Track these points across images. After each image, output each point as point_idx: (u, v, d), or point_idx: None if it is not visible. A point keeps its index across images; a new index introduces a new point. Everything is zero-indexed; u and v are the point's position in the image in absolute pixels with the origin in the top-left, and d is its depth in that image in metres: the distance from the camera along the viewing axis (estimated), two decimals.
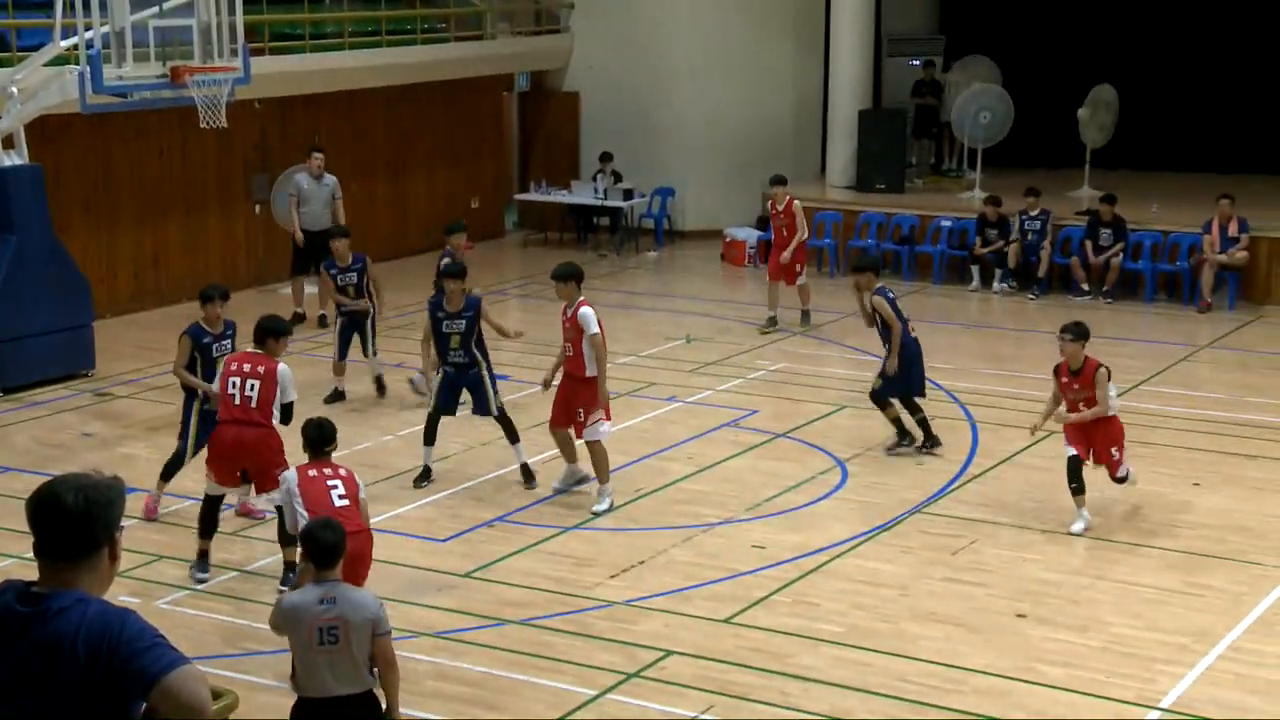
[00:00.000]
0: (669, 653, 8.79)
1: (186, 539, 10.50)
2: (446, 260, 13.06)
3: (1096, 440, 10.83)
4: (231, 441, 9.76)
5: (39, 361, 14.56)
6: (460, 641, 8.98)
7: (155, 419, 13.63)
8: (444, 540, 10.67)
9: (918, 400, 12.61)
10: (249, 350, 10.05)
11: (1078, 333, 10.86)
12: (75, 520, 3.56)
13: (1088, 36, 23.74)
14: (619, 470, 12.00)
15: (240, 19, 14.64)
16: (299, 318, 17.07)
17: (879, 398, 12.59)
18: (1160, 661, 8.64)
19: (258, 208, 19.32)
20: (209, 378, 10.56)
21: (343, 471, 8.41)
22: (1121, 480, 10.97)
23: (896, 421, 12.58)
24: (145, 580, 9.77)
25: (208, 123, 14.32)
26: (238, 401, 9.73)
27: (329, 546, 6.52)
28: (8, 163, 14.33)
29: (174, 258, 18.56)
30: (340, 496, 8.19)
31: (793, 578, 9.94)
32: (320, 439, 8.41)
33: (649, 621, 9.28)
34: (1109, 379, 10.80)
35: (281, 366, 9.82)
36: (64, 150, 16.74)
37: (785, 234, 17.07)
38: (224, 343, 10.88)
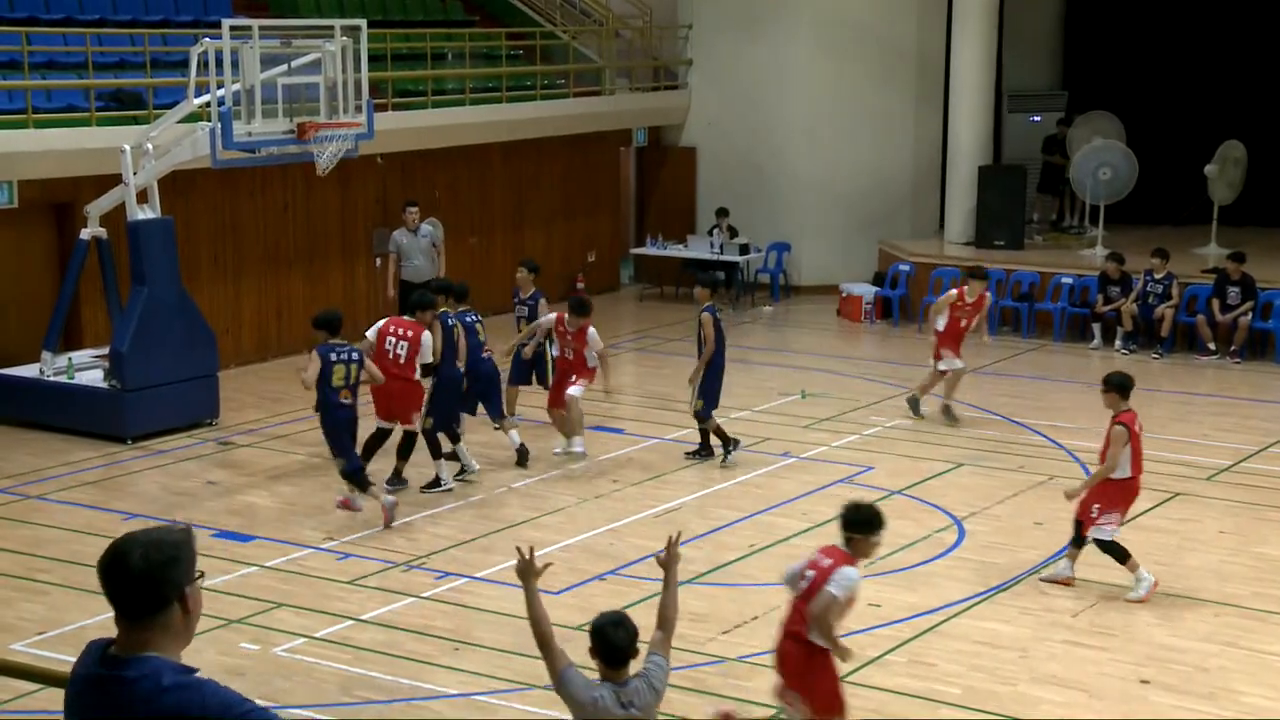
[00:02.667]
0: (783, 709, 8.68)
1: (306, 587, 10.64)
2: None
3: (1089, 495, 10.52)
4: (385, 391, 12.52)
5: (165, 411, 14.88)
6: None
7: (276, 468, 13.86)
8: (557, 593, 10.66)
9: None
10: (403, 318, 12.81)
11: (1109, 382, 10.55)
12: (140, 580, 3.50)
13: (1213, 92, 23.34)
14: (734, 525, 11.93)
15: (365, 76, 14.95)
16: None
17: (703, 416, 13.75)
18: None
19: (378, 260, 19.64)
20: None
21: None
22: (1084, 542, 10.57)
23: (719, 431, 13.70)
24: (264, 627, 9.90)
25: (325, 169, 14.61)
26: (390, 358, 12.44)
27: (620, 648, 6.27)
28: (141, 216, 14.74)
29: (297, 310, 18.90)
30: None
31: (908, 637, 9.78)
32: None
33: (762, 678, 9.16)
34: (1126, 441, 10.30)
35: (425, 333, 12.51)
36: (193, 204, 17.19)
37: (964, 325, 15.53)
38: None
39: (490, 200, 21.51)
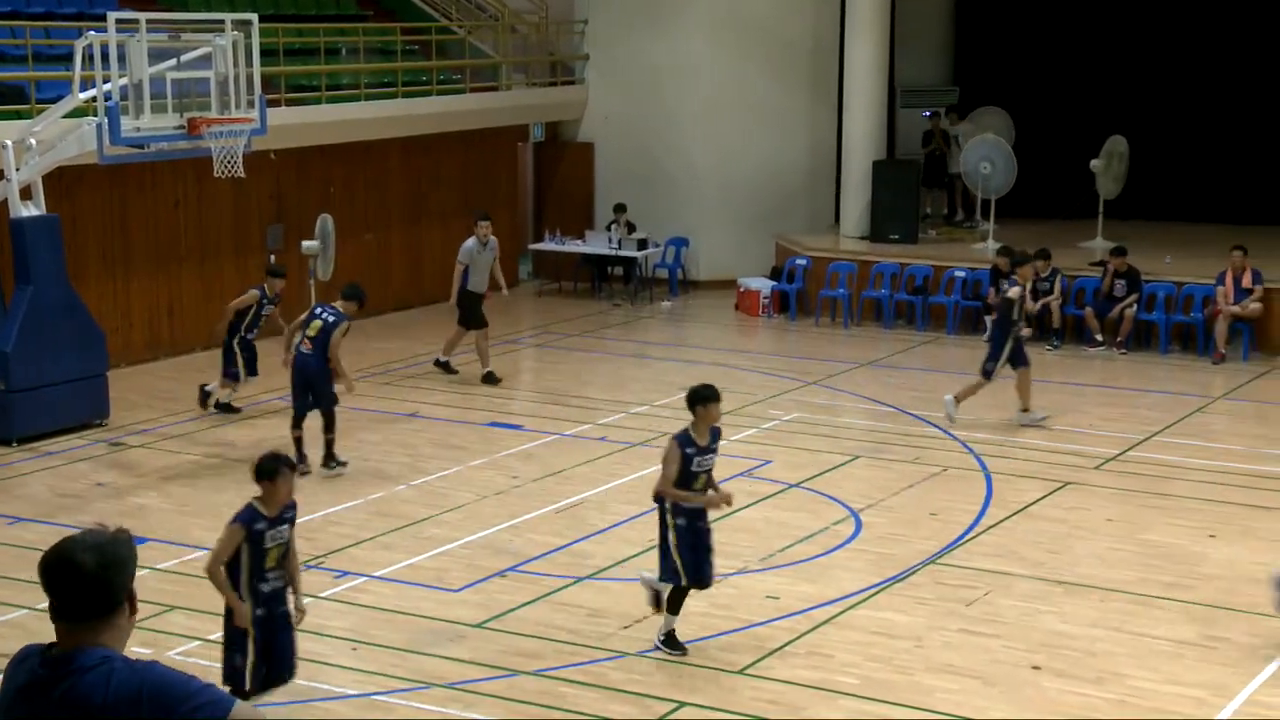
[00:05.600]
0: (682, 704, 8.74)
1: (199, 588, 10.49)
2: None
3: None
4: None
5: (53, 411, 14.58)
6: (472, 692, 8.93)
7: (168, 468, 13.65)
8: (457, 590, 10.64)
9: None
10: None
11: None
12: (93, 582, 3.53)
13: (1101, 88, 23.81)
14: (634, 520, 11.98)
15: (258, 71, 14.76)
16: (445, 366, 17.26)
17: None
18: (1178, 715, 8.56)
19: (273, 258, 19.38)
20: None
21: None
22: None
23: (299, 442, 13.31)
24: (157, 631, 9.75)
25: (222, 173, 14.41)
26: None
27: None
28: (25, 213, 14.42)
29: (188, 308, 18.62)
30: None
31: (806, 629, 9.88)
32: None
33: (663, 673, 9.23)
34: None
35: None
36: (81, 201, 16.85)
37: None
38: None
39: (387, 197, 21.34)
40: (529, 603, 10.39)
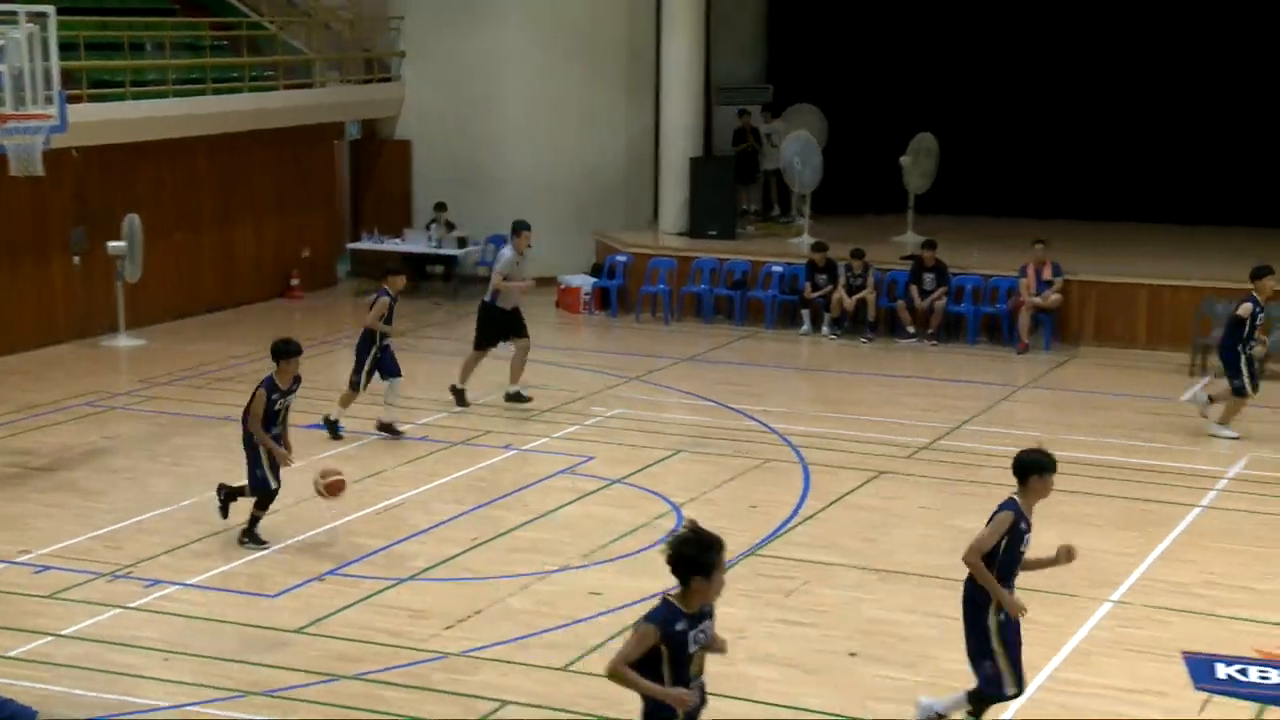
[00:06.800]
0: (505, 703, 8.71)
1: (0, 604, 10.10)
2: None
3: None
4: None
5: None
6: (292, 699, 8.76)
7: None
8: (275, 595, 10.43)
9: None
10: None
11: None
12: None
13: (911, 86, 24.39)
14: (456, 519, 11.90)
15: (56, 65, 14.26)
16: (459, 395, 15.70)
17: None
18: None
19: (77, 259, 18.77)
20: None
21: None
22: None
23: None
24: None
25: (20, 172, 13.89)
26: None
27: None
28: None
29: None
30: None
31: (630, 624, 9.90)
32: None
33: (485, 672, 9.18)
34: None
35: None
36: None
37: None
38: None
39: (197, 196, 20.79)
40: (349, 606, 10.24)
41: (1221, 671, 9.13)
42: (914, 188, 21.85)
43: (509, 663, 9.29)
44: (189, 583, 10.64)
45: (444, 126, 23.34)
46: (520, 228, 15.83)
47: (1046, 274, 18.86)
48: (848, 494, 12.76)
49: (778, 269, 20.59)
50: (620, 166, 23.63)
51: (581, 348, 19.32)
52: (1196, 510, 12.30)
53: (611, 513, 12.33)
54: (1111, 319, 19.01)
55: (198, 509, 12.25)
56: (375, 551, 11.33)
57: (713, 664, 9.23)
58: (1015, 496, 7.87)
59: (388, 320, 14.55)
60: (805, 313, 19.98)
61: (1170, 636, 9.66)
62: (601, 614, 10.07)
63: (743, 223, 23.06)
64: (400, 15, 23.64)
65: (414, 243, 22.39)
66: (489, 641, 9.62)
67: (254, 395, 11.28)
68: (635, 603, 10.25)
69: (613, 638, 9.65)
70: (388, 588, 10.59)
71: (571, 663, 9.30)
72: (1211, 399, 14.88)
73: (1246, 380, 14.54)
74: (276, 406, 11.30)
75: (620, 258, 21.54)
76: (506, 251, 15.81)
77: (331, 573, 10.87)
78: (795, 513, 12.31)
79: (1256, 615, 10.05)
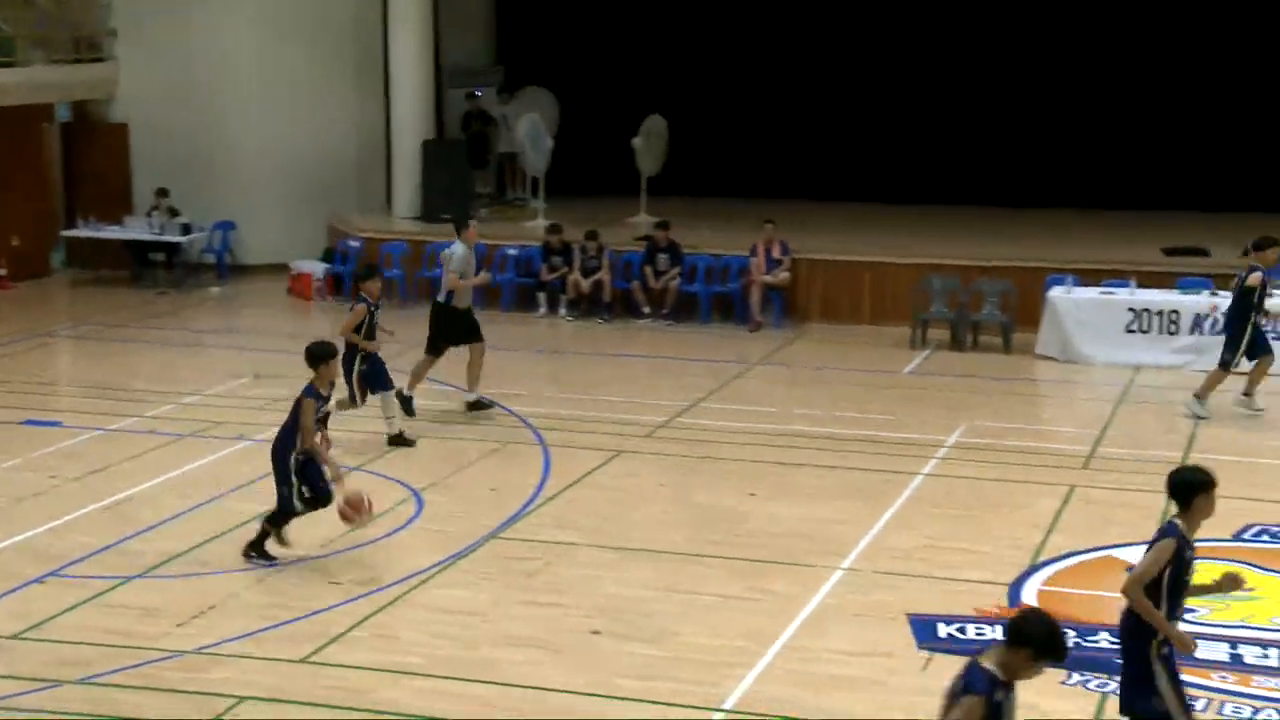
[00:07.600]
0: (243, 698, 8.49)
1: None
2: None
3: None
4: None
5: None
6: (11, 709, 8.35)
7: None
8: None
9: None
10: None
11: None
12: None
13: (641, 68, 24.63)
14: (187, 513, 11.53)
15: None
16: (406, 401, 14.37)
17: None
18: (723, 665, 9.01)
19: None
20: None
21: None
22: None
23: None
24: None
25: None
26: None
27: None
28: None
29: None
30: None
31: (370, 612, 9.79)
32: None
33: (221, 668, 8.93)
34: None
35: None
36: None
37: None
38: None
39: None
40: (73, 607, 9.81)
41: (942, 631, 9.56)
42: (646, 169, 22.12)
43: (246, 658, 9.05)
44: None
45: (164, 109, 22.50)
46: (466, 220, 15.09)
47: (776, 252, 19.37)
48: (588, 474, 12.87)
49: (513, 251, 20.58)
50: (352, 150, 23.23)
51: (313, 335, 18.79)
52: (919, 478, 12.83)
53: None
54: (838, 296, 19.65)
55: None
56: (100, 550, 10.88)
57: (453, 648, 9.24)
58: (1176, 520, 7.05)
59: (369, 329, 13.65)
60: (541, 295, 20.03)
61: (896, 600, 10.05)
62: (341, 603, 9.91)
63: (476, 206, 22.96)
64: None
65: (135, 230, 21.56)
66: (224, 637, 9.36)
67: (300, 406, 10.50)
68: (376, 590, 10.15)
69: (353, 627, 9.53)
70: (115, 587, 10.19)
71: (311, 654, 9.12)
72: (1246, 393, 14.46)
73: (1242, 355, 14.18)
74: (320, 414, 10.67)
75: (353, 243, 21.19)
76: (458, 248, 14.66)
77: (52, 574, 10.39)
78: (536, 494, 12.34)
79: (973, 576, 10.56)
